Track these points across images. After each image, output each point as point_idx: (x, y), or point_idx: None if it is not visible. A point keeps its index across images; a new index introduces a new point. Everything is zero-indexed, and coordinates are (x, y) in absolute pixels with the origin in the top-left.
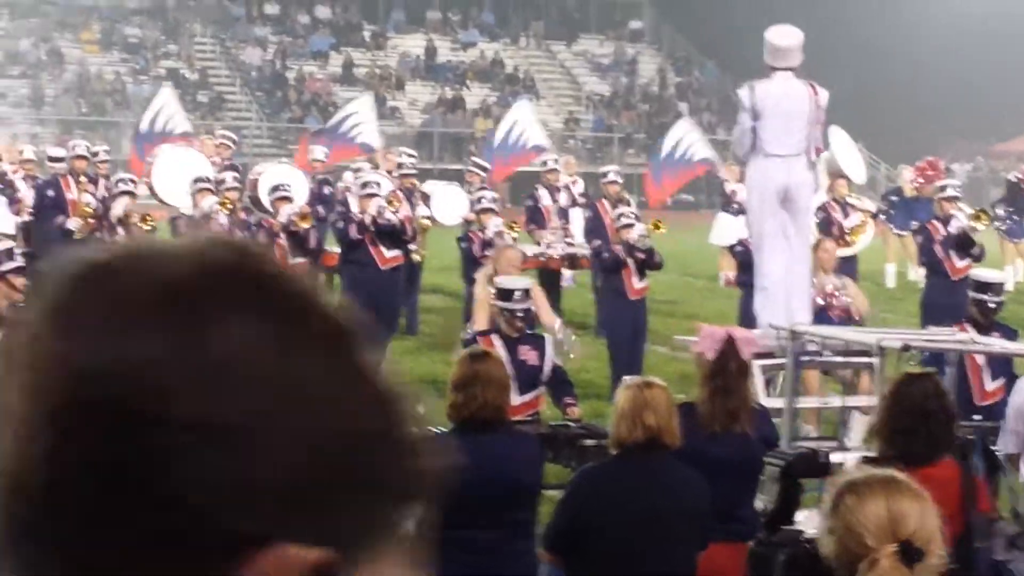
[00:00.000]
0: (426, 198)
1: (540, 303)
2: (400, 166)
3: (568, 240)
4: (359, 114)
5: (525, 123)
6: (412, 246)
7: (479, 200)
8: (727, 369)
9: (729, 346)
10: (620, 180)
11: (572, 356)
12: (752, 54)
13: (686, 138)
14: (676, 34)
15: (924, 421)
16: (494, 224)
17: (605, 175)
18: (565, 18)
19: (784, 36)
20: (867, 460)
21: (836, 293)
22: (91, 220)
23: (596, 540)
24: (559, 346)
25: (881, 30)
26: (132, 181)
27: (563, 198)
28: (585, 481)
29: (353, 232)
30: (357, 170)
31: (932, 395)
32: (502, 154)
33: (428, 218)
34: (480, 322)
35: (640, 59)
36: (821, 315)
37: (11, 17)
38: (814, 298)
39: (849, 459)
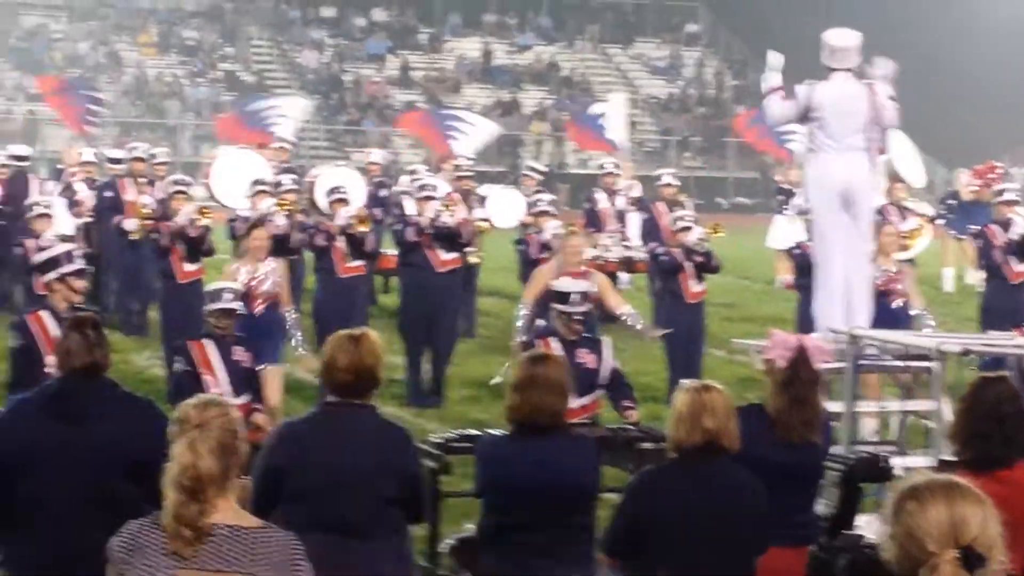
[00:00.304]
0: (483, 200)
1: (605, 290)
2: (457, 168)
3: (625, 243)
4: (612, 110)
5: (614, 116)
6: (469, 249)
7: (536, 203)
8: (799, 378)
9: (801, 355)
10: (677, 183)
11: (639, 328)
12: (809, 57)
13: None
14: (732, 37)
15: (999, 424)
16: (551, 226)
17: (661, 178)
18: (621, 21)
19: (842, 37)
20: (943, 464)
21: (896, 279)
22: (148, 221)
23: (654, 543)
24: (633, 323)
25: (940, 32)
26: (188, 182)
27: (620, 201)
28: (643, 484)
29: (410, 235)
30: (413, 172)
31: (1006, 398)
32: (582, 122)
33: (485, 220)
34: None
35: (696, 62)
36: (881, 301)
37: (70, 20)
38: (874, 283)
39: (907, 463)
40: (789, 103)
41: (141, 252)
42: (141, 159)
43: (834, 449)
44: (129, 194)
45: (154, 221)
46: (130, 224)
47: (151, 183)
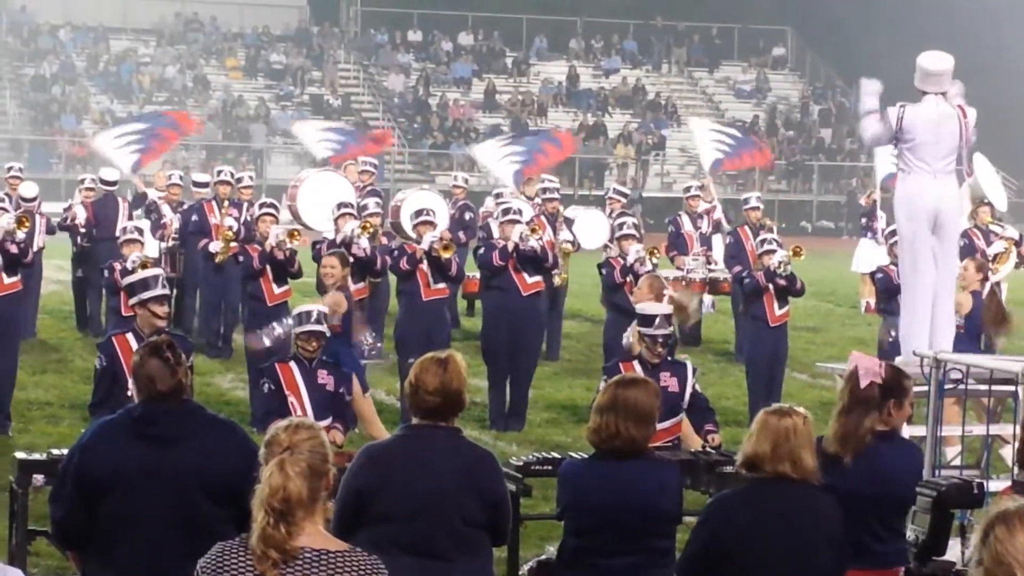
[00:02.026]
0: (569, 223)
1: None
2: (544, 191)
3: (709, 266)
4: (696, 133)
5: (698, 139)
6: (554, 271)
7: (620, 226)
8: (844, 395)
9: (852, 372)
10: (761, 206)
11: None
12: (895, 80)
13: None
14: (818, 60)
15: None
16: (635, 250)
17: (747, 201)
18: (707, 45)
19: (937, 61)
20: (1017, 483)
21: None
22: (233, 244)
23: (728, 568)
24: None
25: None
26: (274, 205)
27: (704, 224)
28: (719, 508)
29: (496, 259)
30: (499, 195)
31: None
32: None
33: (570, 243)
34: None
35: (782, 85)
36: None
37: (158, 44)
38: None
39: (991, 488)
40: (884, 125)
41: (225, 275)
42: (227, 182)
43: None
44: (214, 217)
45: (239, 243)
46: (214, 246)
47: (237, 206)
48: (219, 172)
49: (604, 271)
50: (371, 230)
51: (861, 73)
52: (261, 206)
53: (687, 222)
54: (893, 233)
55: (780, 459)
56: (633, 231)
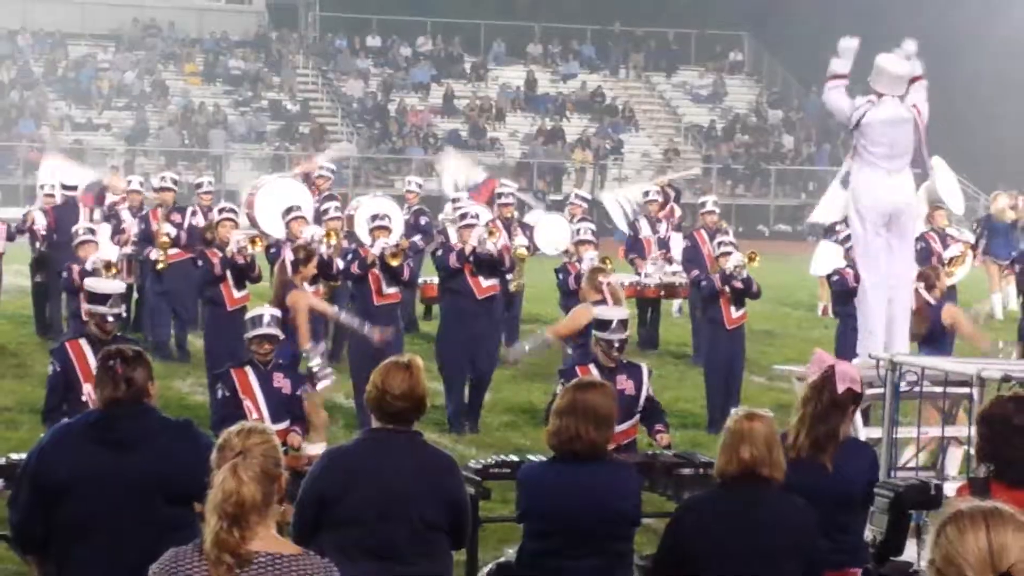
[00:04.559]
0: (527, 228)
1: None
2: (500, 196)
3: (668, 270)
4: None
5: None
6: (509, 276)
7: (577, 231)
8: (820, 399)
9: (828, 376)
10: (718, 210)
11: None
12: (853, 84)
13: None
14: (775, 65)
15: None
16: (588, 256)
17: (703, 205)
18: (665, 50)
19: (899, 65)
20: (973, 481)
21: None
22: (172, 251)
23: (694, 568)
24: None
25: (981, 55)
26: (234, 210)
27: (663, 228)
28: (687, 510)
29: (452, 261)
30: (455, 200)
31: None
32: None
33: (526, 247)
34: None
35: (739, 91)
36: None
37: (116, 50)
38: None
39: (947, 489)
40: (847, 102)
41: (173, 281)
42: (169, 188)
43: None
44: (156, 223)
45: (181, 250)
46: (155, 254)
47: (181, 212)
48: (161, 179)
49: (560, 276)
50: (333, 237)
51: (818, 79)
52: (221, 211)
53: (645, 226)
54: (849, 237)
55: (737, 463)
56: (591, 237)
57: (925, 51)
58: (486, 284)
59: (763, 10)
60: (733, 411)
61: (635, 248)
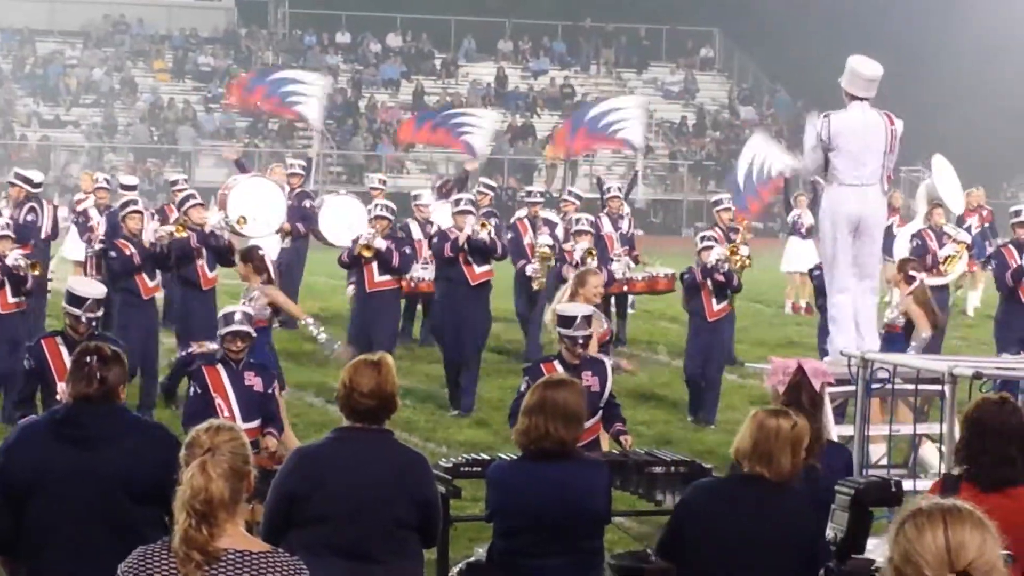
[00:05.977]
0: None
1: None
2: (480, 194)
3: (631, 266)
4: (626, 111)
5: (764, 153)
6: (533, 276)
7: (577, 220)
8: (799, 402)
9: (800, 378)
10: (733, 207)
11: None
12: (823, 82)
13: (760, 154)
14: (747, 62)
15: (1011, 445)
16: (581, 247)
17: (719, 203)
18: (635, 46)
19: (872, 67)
20: (947, 478)
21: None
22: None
23: (694, 552)
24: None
25: (954, 57)
26: (194, 195)
27: (625, 225)
28: (692, 495)
29: (447, 250)
30: (416, 197)
31: (1015, 420)
32: (751, 189)
33: (549, 246)
34: None
35: (710, 87)
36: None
37: (85, 46)
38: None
39: (919, 487)
40: (811, 141)
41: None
42: (104, 188)
43: None
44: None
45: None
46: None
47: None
48: (95, 179)
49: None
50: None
51: (789, 74)
52: (185, 200)
53: (607, 224)
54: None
55: (758, 458)
56: (587, 227)
57: (893, 48)
58: (479, 271)
59: (734, 7)
60: (756, 410)
61: (597, 245)
